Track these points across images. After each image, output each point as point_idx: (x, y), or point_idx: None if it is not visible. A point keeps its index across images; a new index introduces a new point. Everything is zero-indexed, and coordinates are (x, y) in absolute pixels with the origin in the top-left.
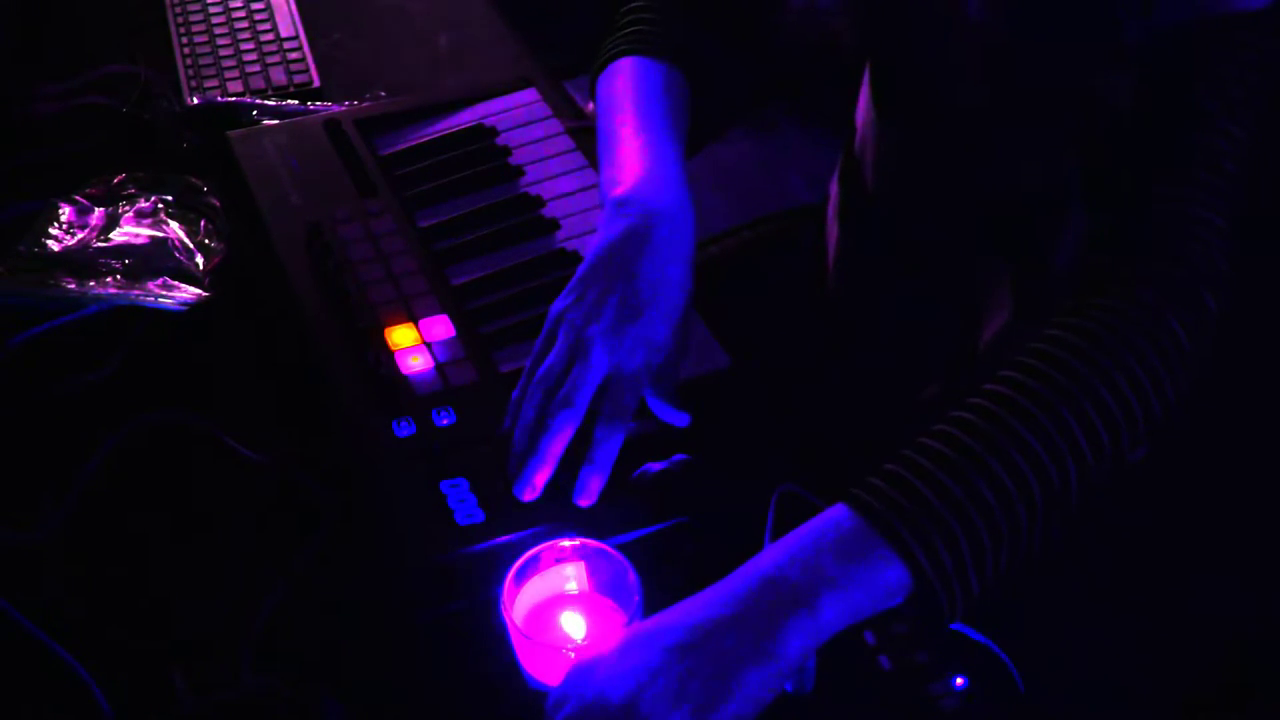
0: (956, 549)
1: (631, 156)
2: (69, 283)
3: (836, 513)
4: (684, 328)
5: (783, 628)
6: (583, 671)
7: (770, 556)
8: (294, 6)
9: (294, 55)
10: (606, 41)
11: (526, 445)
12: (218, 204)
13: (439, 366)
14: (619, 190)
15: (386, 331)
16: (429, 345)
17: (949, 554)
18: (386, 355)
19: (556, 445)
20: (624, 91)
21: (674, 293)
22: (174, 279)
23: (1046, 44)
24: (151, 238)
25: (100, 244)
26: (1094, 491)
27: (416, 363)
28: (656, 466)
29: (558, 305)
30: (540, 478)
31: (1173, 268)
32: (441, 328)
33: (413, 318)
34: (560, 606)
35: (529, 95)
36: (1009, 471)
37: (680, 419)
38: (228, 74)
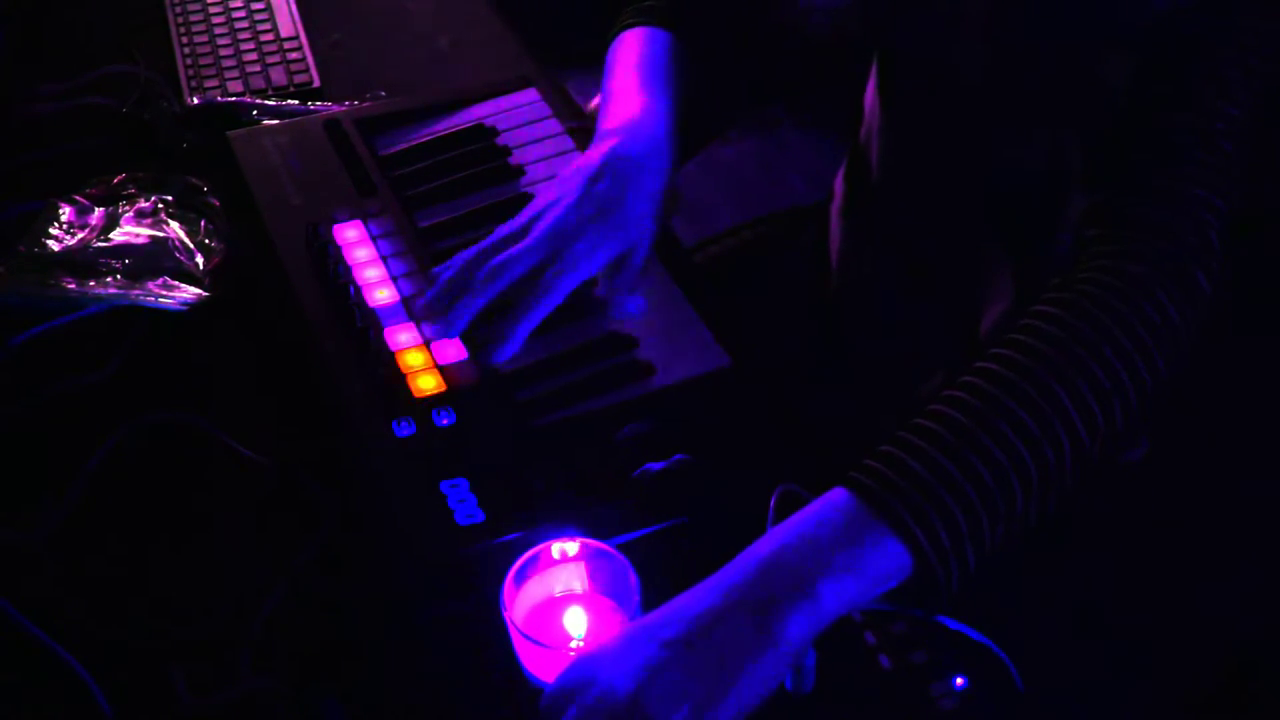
0: (955, 528)
1: (626, 101)
2: (69, 283)
3: (834, 496)
4: (650, 247)
5: (783, 615)
6: (583, 668)
7: (768, 543)
8: (294, 6)
9: (294, 55)
10: (619, 19)
11: (464, 280)
12: (218, 204)
13: (439, 367)
14: (608, 124)
15: (386, 331)
16: (428, 344)
17: (948, 534)
18: (387, 355)
19: (495, 283)
20: (629, 51)
21: (645, 204)
22: (174, 279)
23: (1050, 31)
24: (151, 238)
25: (100, 244)
26: (1091, 469)
27: (417, 362)
28: (656, 466)
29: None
30: (466, 316)
31: (1163, 243)
32: None
33: (413, 318)
34: (560, 606)
35: (529, 95)
36: (1003, 448)
37: (636, 304)
38: (228, 74)
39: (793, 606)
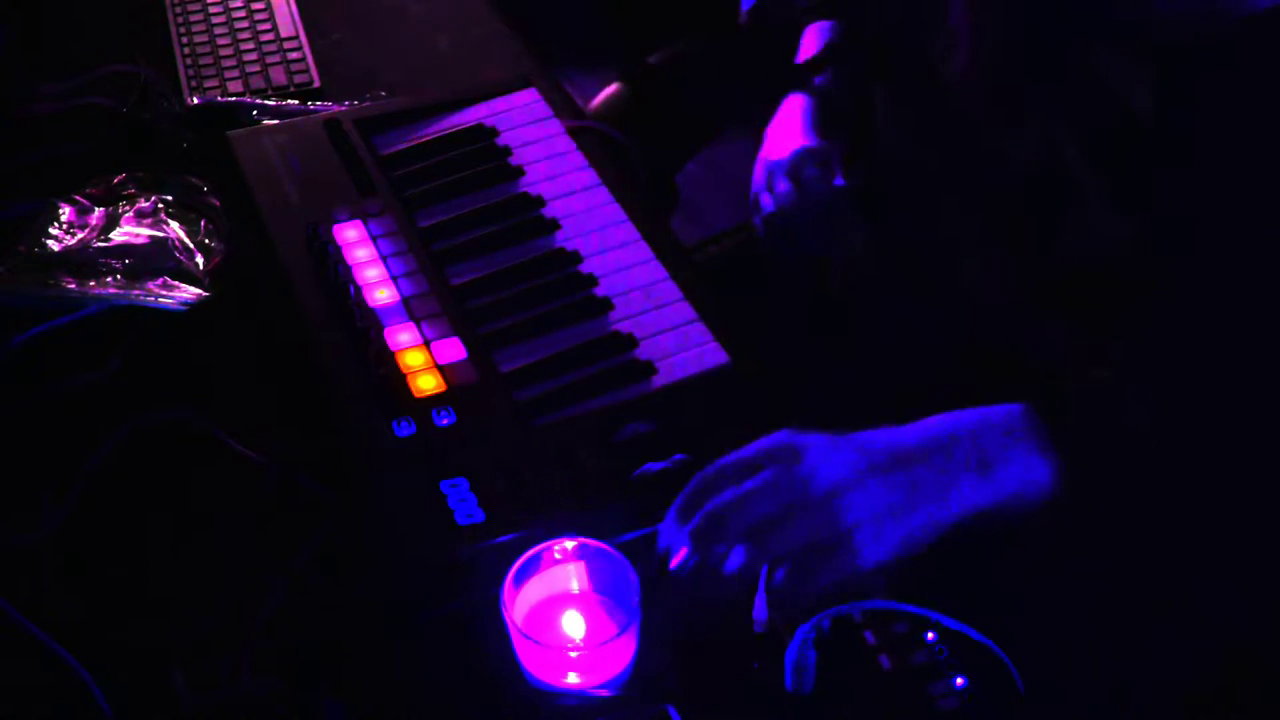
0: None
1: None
2: (69, 283)
3: (1015, 408)
4: None
5: (1001, 457)
6: (791, 442)
7: (951, 419)
8: (294, 6)
9: (294, 55)
10: None
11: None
12: (218, 204)
13: (439, 366)
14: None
15: (386, 331)
16: (428, 344)
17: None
18: (387, 355)
19: None
20: None
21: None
22: (174, 279)
23: (1031, 24)
24: (151, 238)
25: (100, 244)
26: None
27: (417, 362)
28: (656, 466)
29: None
30: None
31: None
32: (441, 328)
33: (413, 318)
34: (560, 606)
35: (529, 95)
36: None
37: None
38: (228, 74)
39: (1009, 452)
